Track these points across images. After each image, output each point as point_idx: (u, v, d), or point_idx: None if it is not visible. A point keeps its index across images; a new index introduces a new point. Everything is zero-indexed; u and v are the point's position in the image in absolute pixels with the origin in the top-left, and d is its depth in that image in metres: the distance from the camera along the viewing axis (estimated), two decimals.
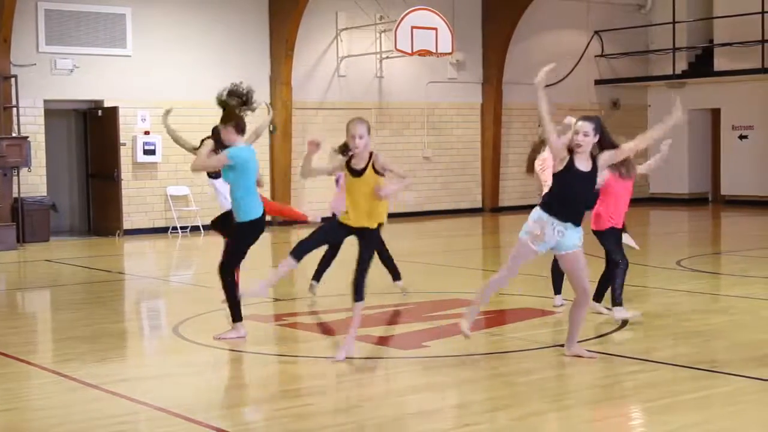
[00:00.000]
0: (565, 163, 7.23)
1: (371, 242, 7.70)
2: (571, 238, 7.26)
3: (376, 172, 7.60)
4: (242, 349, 8.08)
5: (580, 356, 7.49)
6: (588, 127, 7.23)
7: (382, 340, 8.49)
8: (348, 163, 7.69)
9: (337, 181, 10.42)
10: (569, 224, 7.24)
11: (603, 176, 8.25)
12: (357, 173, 7.61)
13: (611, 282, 8.77)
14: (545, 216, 7.24)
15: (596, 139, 7.27)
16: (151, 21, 19.09)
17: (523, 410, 6.25)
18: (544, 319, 9.38)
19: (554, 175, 7.32)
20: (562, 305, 9.53)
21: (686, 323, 9.02)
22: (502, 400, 6.57)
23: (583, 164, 7.25)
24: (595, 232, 8.86)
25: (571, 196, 7.24)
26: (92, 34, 18.49)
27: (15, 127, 17.25)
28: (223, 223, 9.32)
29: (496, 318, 9.54)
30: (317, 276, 10.56)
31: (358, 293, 7.52)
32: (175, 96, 18.96)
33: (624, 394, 6.67)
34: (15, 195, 17.12)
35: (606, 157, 7.37)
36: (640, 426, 6.02)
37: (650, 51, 25.60)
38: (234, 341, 8.29)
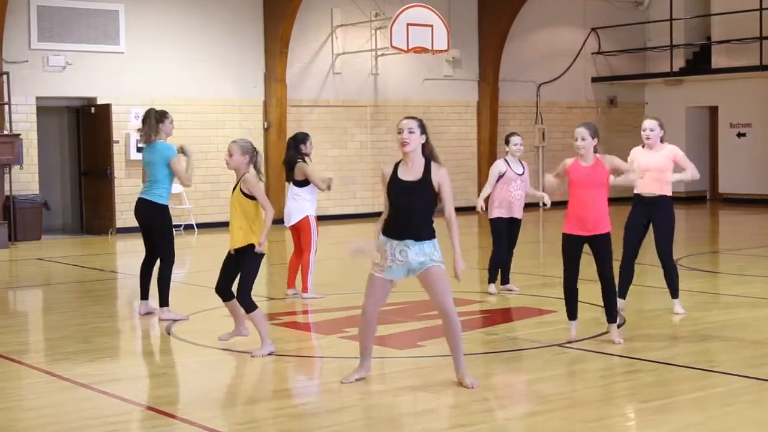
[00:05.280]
0: None
1: None
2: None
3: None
4: (236, 349, 8.00)
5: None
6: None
7: (377, 340, 8.41)
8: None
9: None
10: None
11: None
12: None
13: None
14: None
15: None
16: (144, 17, 19.00)
17: (520, 410, 6.22)
18: (541, 318, 9.34)
19: None
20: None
21: (684, 322, 8.99)
22: (499, 400, 6.53)
23: None
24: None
25: None
26: (85, 30, 18.39)
27: (7, 124, 17.16)
28: None
29: (492, 317, 9.49)
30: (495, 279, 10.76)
31: None
32: (168, 93, 18.90)
33: (621, 394, 6.62)
34: (7, 193, 17.03)
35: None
36: (637, 426, 5.98)
37: (648, 48, 25.54)
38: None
